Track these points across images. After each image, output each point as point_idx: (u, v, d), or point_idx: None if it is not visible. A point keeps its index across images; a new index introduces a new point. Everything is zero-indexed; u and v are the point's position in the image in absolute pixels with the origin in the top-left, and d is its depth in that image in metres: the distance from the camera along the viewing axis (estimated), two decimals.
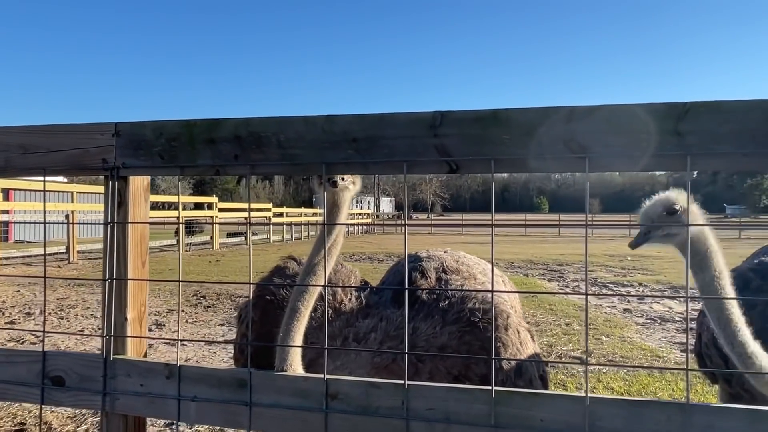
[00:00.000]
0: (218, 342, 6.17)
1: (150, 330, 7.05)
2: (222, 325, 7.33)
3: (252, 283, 1.47)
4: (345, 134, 1.41)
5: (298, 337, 1.59)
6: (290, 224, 28.31)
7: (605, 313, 7.99)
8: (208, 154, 1.50)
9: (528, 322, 2.10)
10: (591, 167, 1.29)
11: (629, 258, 16.50)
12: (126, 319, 1.60)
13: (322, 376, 1.41)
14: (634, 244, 1.75)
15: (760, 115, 1.20)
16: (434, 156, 1.36)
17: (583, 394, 1.25)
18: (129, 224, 1.59)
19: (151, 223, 1.70)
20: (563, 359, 5.40)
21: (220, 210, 23.27)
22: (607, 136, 1.27)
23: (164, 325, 7.22)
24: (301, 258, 2.23)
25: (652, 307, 8.32)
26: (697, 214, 1.65)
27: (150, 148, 1.54)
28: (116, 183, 1.58)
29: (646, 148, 1.25)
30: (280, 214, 30.57)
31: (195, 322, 7.53)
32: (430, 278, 1.92)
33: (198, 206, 28.38)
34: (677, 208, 1.67)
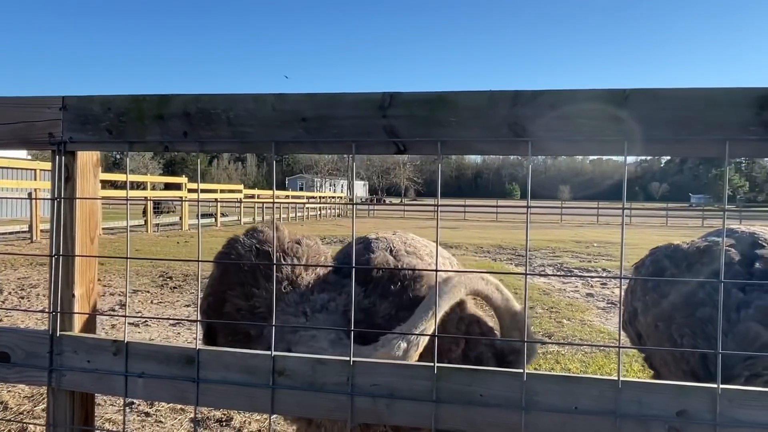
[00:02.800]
0: (164, 319, 6.12)
1: (113, 310, 6.96)
2: (188, 306, 7.28)
3: (202, 261, 1.46)
4: (295, 113, 1.41)
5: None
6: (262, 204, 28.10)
7: (568, 297, 8.18)
8: (157, 130, 1.48)
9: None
10: (534, 150, 1.32)
11: (595, 244, 16.86)
12: (74, 295, 1.59)
13: (269, 353, 1.42)
14: None
15: (694, 103, 1.24)
16: (383, 136, 1.37)
17: (521, 371, 1.29)
18: (77, 200, 1.57)
19: (100, 199, 1.68)
20: None
21: (190, 191, 22.92)
22: (550, 121, 1.29)
23: (129, 306, 7.13)
24: (283, 226, 2.20)
25: (613, 292, 8.54)
26: None
27: (98, 122, 1.52)
28: (63, 158, 1.55)
29: (587, 132, 1.29)
30: (252, 196, 30.29)
31: (160, 302, 7.46)
32: (379, 258, 1.94)
33: (168, 186, 27.90)
34: None
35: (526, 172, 1.56)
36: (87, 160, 1.62)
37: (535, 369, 4.61)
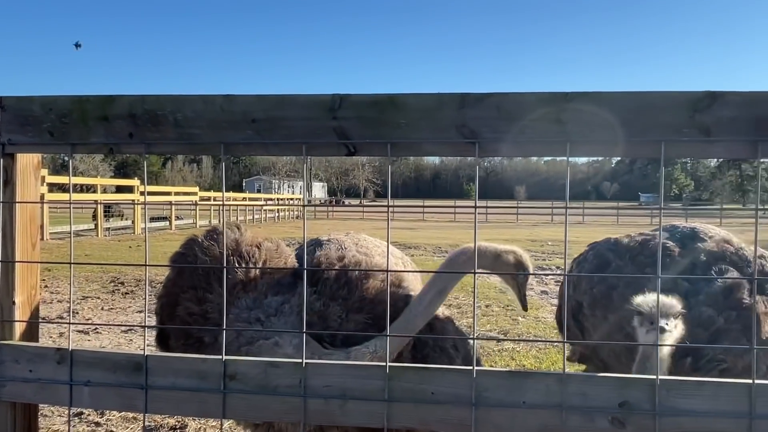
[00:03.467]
0: (113, 326, 5.96)
1: (61, 317, 6.71)
2: (141, 311, 7.09)
3: (149, 265, 1.44)
4: (245, 114, 1.40)
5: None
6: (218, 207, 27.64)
7: None
8: (101, 131, 1.45)
9: (450, 305, 2.19)
10: (481, 152, 1.35)
11: (549, 243, 17.26)
12: (14, 303, 1.53)
13: (220, 357, 1.41)
14: None
15: (633, 105, 1.29)
16: (333, 138, 1.38)
17: (471, 368, 1.32)
18: (17, 204, 1.51)
19: (42, 203, 1.63)
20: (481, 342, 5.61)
21: (143, 194, 22.30)
22: (496, 122, 1.33)
23: (78, 313, 6.90)
24: (245, 228, 2.16)
25: None
26: None
27: (39, 124, 1.47)
28: (2, 160, 1.49)
29: (531, 134, 1.32)
30: (207, 198, 29.72)
31: (111, 309, 7.24)
32: (330, 260, 1.94)
33: (120, 189, 27.10)
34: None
35: (476, 173, 1.61)
36: (27, 162, 1.56)
37: (491, 366, 4.70)
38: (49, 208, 17.46)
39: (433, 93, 1.37)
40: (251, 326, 1.86)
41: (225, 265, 1.46)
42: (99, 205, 18.30)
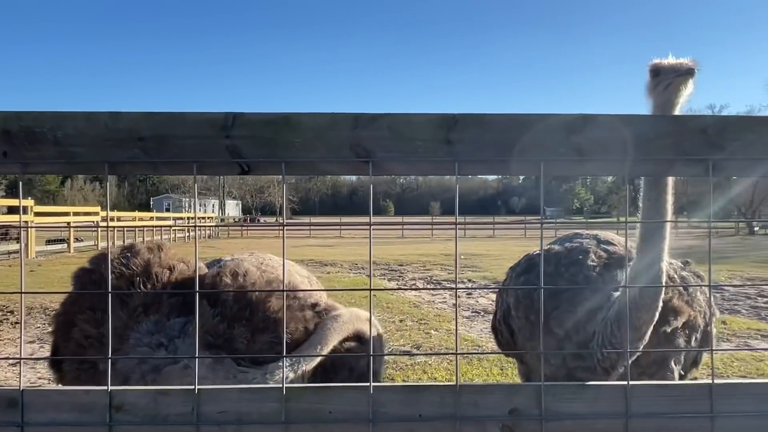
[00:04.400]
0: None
1: None
2: (32, 342, 6.56)
3: (25, 292, 1.34)
4: (131, 132, 1.35)
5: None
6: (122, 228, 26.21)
7: (437, 308, 8.53)
8: None
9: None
10: (374, 171, 1.38)
11: (462, 257, 17.78)
12: None
13: (105, 387, 1.33)
14: None
15: (514, 128, 1.37)
16: (226, 157, 1.36)
17: (368, 384, 1.33)
18: None
19: None
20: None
21: (37, 214, 20.76)
22: (389, 142, 1.36)
23: None
24: (168, 248, 2.06)
25: (477, 301, 9.05)
26: None
27: None
28: None
29: (422, 153, 1.37)
30: (111, 218, 28.10)
31: (0, 340, 6.65)
32: (228, 281, 1.90)
33: (12, 210, 25.01)
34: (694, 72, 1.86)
35: (367, 190, 1.66)
36: None
37: (404, 380, 4.75)
38: None
39: (327, 113, 1.38)
40: (154, 352, 1.78)
41: (110, 290, 1.38)
42: None
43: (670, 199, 1.97)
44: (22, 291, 1.32)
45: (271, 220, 73.46)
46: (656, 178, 1.93)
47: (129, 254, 1.98)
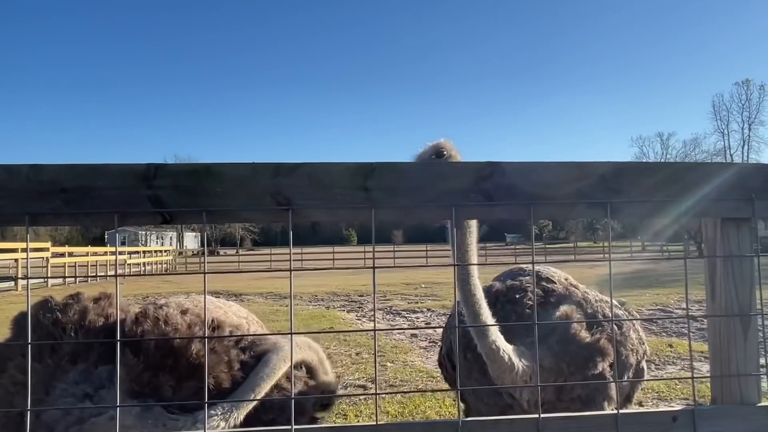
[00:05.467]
0: None
1: None
2: None
3: None
4: (53, 184, 1.37)
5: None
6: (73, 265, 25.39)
7: (394, 339, 8.54)
8: None
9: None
10: (295, 217, 1.43)
11: (422, 285, 17.87)
12: None
13: None
14: None
15: (427, 175, 1.45)
16: (148, 207, 1.39)
17: (289, 427, 1.36)
18: None
19: None
20: (348, 389, 5.64)
21: None
22: (308, 190, 1.42)
23: None
24: (110, 294, 2.05)
25: (436, 331, 9.09)
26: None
27: None
28: None
29: (341, 201, 1.43)
30: (62, 254, 27.19)
31: None
32: (149, 327, 1.90)
33: None
34: (444, 153, 1.97)
35: (288, 228, 1.68)
36: None
37: (356, 415, 4.73)
38: None
39: (248, 162, 1.43)
40: (81, 402, 1.76)
41: (30, 341, 1.38)
42: None
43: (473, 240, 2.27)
44: None
45: (231, 252, 72.27)
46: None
47: (71, 301, 2.00)
